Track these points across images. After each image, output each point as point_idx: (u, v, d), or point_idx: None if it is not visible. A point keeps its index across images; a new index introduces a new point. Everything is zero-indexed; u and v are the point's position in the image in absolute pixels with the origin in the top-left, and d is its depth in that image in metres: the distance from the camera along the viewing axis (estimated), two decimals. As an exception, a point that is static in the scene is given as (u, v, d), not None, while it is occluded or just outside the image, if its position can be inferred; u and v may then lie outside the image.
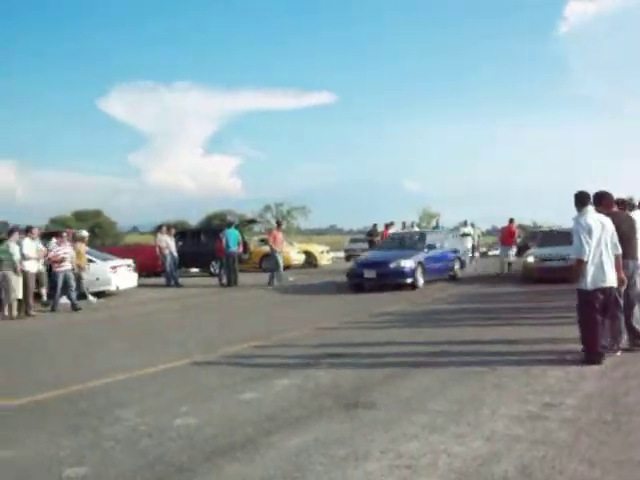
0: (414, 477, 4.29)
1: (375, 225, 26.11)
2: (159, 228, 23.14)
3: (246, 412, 6.07)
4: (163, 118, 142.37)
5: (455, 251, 21.03)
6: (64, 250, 15.89)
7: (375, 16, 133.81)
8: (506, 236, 24.22)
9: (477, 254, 30.52)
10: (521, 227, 26.51)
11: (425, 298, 15.73)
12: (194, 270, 26.89)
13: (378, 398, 6.35)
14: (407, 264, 17.71)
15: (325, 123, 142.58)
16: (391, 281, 17.65)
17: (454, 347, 9.05)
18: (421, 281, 17.98)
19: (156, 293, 19.50)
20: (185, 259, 23.82)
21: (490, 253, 35.26)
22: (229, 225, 22.76)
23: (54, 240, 16.69)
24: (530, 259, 18.99)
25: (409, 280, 17.62)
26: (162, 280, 21.85)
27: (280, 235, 21.57)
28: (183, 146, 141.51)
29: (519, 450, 4.71)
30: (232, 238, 21.19)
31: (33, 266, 15.08)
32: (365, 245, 27.86)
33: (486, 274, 22.44)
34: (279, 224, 23.45)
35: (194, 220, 62.13)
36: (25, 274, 14.73)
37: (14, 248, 14.58)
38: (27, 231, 15.52)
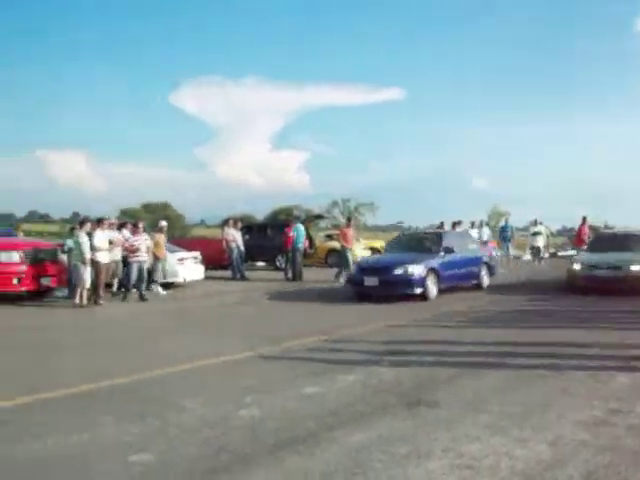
0: (476, 478, 4.27)
1: (442, 223, 25.77)
2: (226, 222, 23.43)
3: (309, 406, 6.13)
4: (231, 112, 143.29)
5: (482, 255, 18.15)
6: (139, 240, 16.28)
7: (451, 16, 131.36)
8: (577, 237, 23.67)
9: (546, 254, 29.93)
10: (591, 228, 25.73)
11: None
12: (260, 264, 27.15)
13: (441, 397, 6.32)
14: (416, 270, 15.01)
15: (394, 119, 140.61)
16: (397, 290, 14.97)
17: (518, 349, 8.91)
18: (434, 291, 15.36)
19: (222, 286, 19.77)
20: (251, 253, 24.15)
21: (560, 254, 34.52)
22: (297, 219, 23.03)
23: (125, 230, 17.11)
24: (576, 266, 16.26)
25: (418, 290, 14.97)
26: (228, 273, 22.15)
27: (351, 232, 21.29)
28: (251, 141, 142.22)
29: (584, 456, 4.62)
30: (300, 233, 21.49)
31: (105, 257, 15.38)
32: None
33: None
34: (349, 221, 23.25)
35: (260, 214, 62.70)
36: (97, 265, 15.05)
37: (83, 239, 14.98)
38: (98, 222, 15.89)
